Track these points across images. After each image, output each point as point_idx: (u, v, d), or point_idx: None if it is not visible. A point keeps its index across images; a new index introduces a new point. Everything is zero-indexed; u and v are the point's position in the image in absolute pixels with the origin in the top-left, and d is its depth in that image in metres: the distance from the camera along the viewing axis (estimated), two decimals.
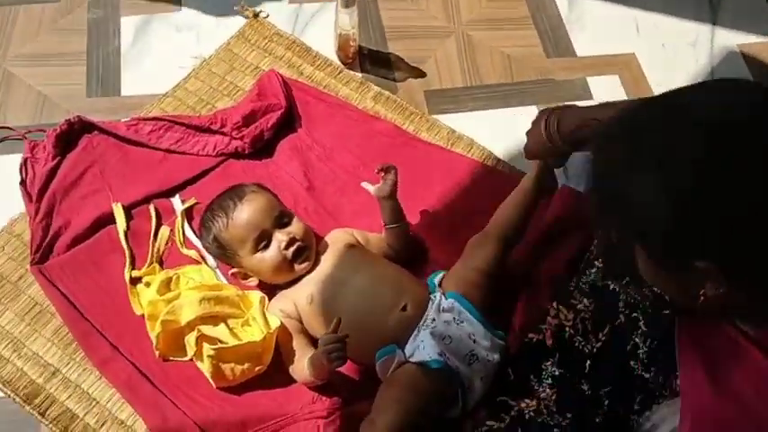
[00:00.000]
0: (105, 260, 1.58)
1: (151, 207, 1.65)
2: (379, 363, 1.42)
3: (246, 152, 1.74)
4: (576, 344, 1.46)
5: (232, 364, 1.42)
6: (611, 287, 1.45)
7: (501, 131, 1.84)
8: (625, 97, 1.91)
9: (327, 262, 1.50)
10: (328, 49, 1.94)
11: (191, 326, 1.45)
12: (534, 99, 1.91)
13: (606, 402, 1.38)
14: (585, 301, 1.47)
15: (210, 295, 1.46)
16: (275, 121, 1.76)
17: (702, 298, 0.97)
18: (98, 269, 1.57)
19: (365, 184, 1.55)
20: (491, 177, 1.75)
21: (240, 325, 1.46)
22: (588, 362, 1.43)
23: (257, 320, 1.45)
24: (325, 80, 1.90)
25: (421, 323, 1.44)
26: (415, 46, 1.99)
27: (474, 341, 1.43)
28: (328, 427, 1.41)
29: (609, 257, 1.42)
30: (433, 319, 1.43)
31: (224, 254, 1.51)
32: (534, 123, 1.54)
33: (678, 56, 2.02)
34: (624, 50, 2.02)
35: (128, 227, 1.62)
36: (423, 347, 1.40)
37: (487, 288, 1.51)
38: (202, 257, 1.60)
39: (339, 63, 1.92)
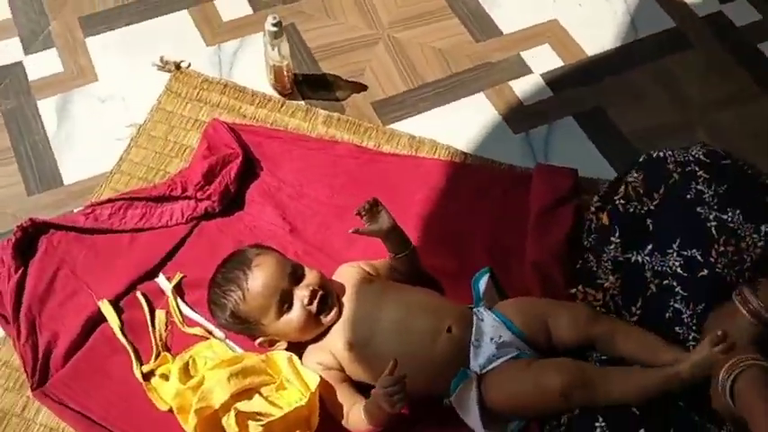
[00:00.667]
0: (109, 363, 1.46)
1: (138, 294, 1.54)
2: (457, 393, 1.35)
3: (217, 210, 1.64)
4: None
5: None
6: (633, 259, 1.43)
7: (457, 125, 1.81)
8: (561, 64, 1.89)
9: (352, 302, 1.42)
10: (262, 84, 1.85)
11: (225, 407, 1.35)
12: (479, 85, 1.88)
13: None
14: (611, 278, 1.45)
15: (237, 369, 1.36)
16: (236, 170, 1.66)
17: None
18: (105, 375, 1.45)
19: (356, 230, 1.45)
20: (465, 173, 1.72)
21: (275, 391, 1.38)
22: None
23: (292, 382, 1.37)
24: (270, 116, 1.81)
25: (472, 339, 1.37)
26: (348, 60, 1.92)
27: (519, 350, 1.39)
28: None
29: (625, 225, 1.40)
30: (482, 335, 1.38)
31: (246, 327, 1.41)
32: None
33: (596, 12, 2.03)
34: (545, 18, 2.01)
35: (121, 322, 1.49)
36: (481, 362, 1.35)
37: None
38: (208, 332, 1.49)
39: (278, 96, 1.83)
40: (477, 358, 1.36)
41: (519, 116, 1.82)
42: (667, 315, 1.37)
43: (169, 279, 1.56)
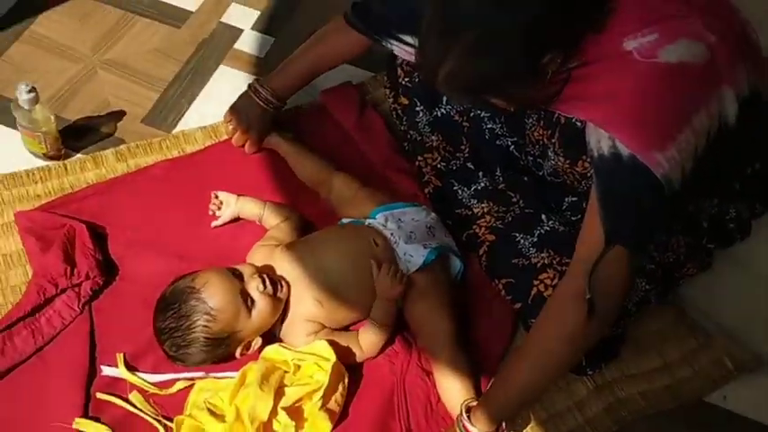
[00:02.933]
0: None
1: (99, 396, 1.39)
2: None
3: (101, 283, 1.51)
4: (453, 167, 1.67)
5: (333, 398, 1.37)
6: (439, 113, 1.65)
7: (224, 100, 1.79)
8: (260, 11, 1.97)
9: (291, 269, 1.45)
10: (26, 161, 1.67)
11: (273, 413, 1.34)
12: (213, 60, 1.90)
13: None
14: (434, 137, 1.68)
15: (258, 379, 1.35)
16: (90, 240, 1.53)
17: (550, 76, 1.16)
18: None
19: (216, 225, 1.58)
20: None
21: (294, 375, 1.39)
22: (471, 165, 1.65)
23: (302, 359, 1.39)
24: (64, 183, 1.67)
25: (392, 245, 1.50)
26: (83, 100, 1.80)
27: (418, 220, 1.55)
28: (426, 363, 1.46)
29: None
30: (392, 234, 1.51)
31: (223, 346, 1.38)
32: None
33: None
34: None
35: (111, 430, 1.36)
36: (411, 256, 1.49)
37: (370, 188, 1.62)
38: (189, 380, 1.42)
39: (54, 162, 1.68)
40: (401, 259, 1.49)
41: (266, 67, 1.88)
42: (486, 137, 1.63)
43: (110, 366, 1.42)
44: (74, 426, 1.33)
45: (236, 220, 1.60)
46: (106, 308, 1.49)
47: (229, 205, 1.57)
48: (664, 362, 1.51)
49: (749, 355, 1.51)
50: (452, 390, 1.38)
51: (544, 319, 1.28)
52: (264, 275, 1.40)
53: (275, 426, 1.35)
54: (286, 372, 1.39)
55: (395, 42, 1.48)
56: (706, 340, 1.52)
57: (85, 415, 1.36)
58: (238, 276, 1.40)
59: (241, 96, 1.67)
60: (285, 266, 1.45)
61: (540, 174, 1.55)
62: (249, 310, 1.37)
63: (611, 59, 1.18)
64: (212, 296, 1.35)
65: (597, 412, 1.44)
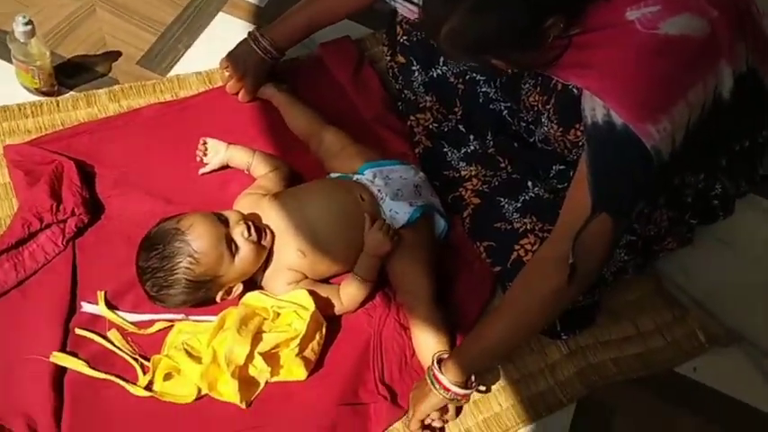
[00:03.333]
0: (101, 404, 1.34)
1: (78, 332, 1.39)
2: None
3: (86, 222, 1.50)
4: (445, 129, 1.65)
5: (310, 346, 1.37)
6: (435, 74, 1.63)
7: (223, 46, 1.78)
8: None
9: (277, 218, 1.45)
10: (17, 95, 1.65)
11: (249, 359, 1.34)
12: (214, 7, 1.89)
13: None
14: (428, 97, 1.66)
15: (237, 323, 1.35)
16: (78, 176, 1.52)
17: (551, 41, 1.15)
18: (106, 416, 1.33)
19: (204, 172, 1.56)
20: None
21: (272, 322, 1.39)
22: (463, 128, 1.63)
23: (282, 307, 1.40)
24: (55, 119, 1.65)
25: (377, 201, 1.50)
26: (80, 37, 1.78)
27: (406, 178, 1.54)
28: (404, 318, 1.46)
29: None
30: (379, 190, 1.50)
31: (205, 289, 1.38)
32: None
33: None
34: None
35: (88, 364, 1.36)
36: (396, 213, 1.48)
37: (360, 145, 1.60)
38: (168, 321, 1.42)
39: (46, 98, 1.66)
40: (386, 216, 1.49)
41: (264, 17, 1.86)
42: (480, 100, 1.62)
43: (90, 303, 1.42)
44: (51, 359, 1.33)
45: (225, 167, 1.59)
46: (89, 245, 1.48)
47: (218, 152, 1.56)
48: (637, 331, 1.51)
49: (722, 330, 1.52)
50: (427, 344, 1.39)
51: (523, 279, 1.28)
52: (250, 222, 1.40)
53: (251, 370, 1.36)
54: (265, 318, 1.39)
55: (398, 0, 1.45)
56: (681, 313, 1.53)
57: (63, 349, 1.36)
58: (224, 221, 1.39)
59: (240, 44, 1.65)
60: (271, 215, 1.45)
61: (531, 140, 1.54)
62: (232, 255, 1.37)
63: (612, 28, 1.16)
64: (197, 239, 1.34)
65: (568, 376, 1.45)
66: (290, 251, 1.43)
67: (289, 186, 1.55)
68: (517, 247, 1.41)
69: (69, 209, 1.47)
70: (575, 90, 1.27)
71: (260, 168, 1.55)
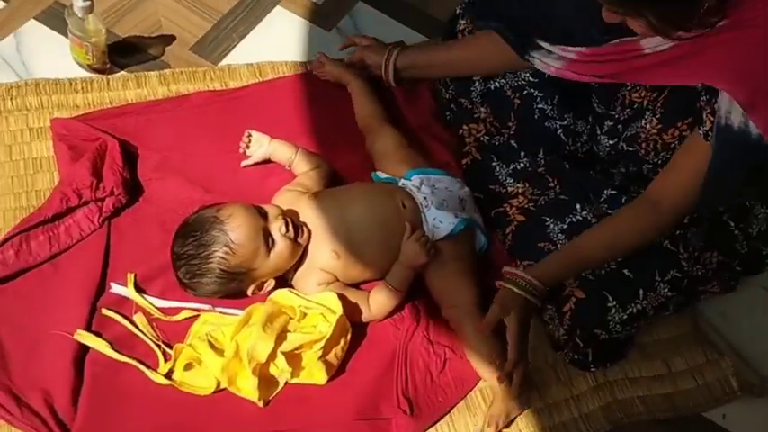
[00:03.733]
0: (120, 387, 1.32)
1: (105, 312, 1.37)
2: None
3: (125, 202, 1.49)
4: (496, 143, 1.61)
5: (333, 351, 1.34)
6: (493, 86, 1.59)
7: (277, 40, 1.79)
8: None
9: (315, 216, 1.42)
10: (70, 70, 1.65)
11: (271, 357, 1.32)
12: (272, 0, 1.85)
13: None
14: (482, 108, 1.62)
15: (263, 320, 1.32)
16: (121, 156, 1.50)
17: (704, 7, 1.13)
18: (124, 399, 1.31)
19: (246, 164, 1.54)
20: (316, 78, 1.72)
21: (298, 322, 1.36)
22: (515, 143, 1.59)
23: (310, 307, 1.37)
24: (104, 97, 1.64)
25: (422, 209, 1.46)
26: (137, 18, 1.77)
27: (452, 190, 1.51)
28: (432, 334, 1.42)
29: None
30: (425, 198, 1.46)
31: (237, 281, 1.36)
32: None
33: None
34: None
35: (111, 346, 1.34)
36: (440, 222, 1.45)
37: (412, 150, 1.58)
38: (195, 310, 1.40)
39: (98, 75, 1.65)
40: (428, 225, 1.45)
41: (321, 15, 1.84)
42: (536, 116, 1.57)
43: (120, 284, 1.41)
44: (75, 336, 1.32)
45: (267, 162, 1.56)
46: (125, 227, 1.47)
47: (262, 145, 1.54)
48: (668, 370, 1.46)
49: (756, 379, 1.47)
50: (480, 355, 1.36)
51: (632, 210, 1.32)
52: (288, 218, 1.37)
53: (271, 369, 1.33)
54: (291, 318, 1.36)
55: (535, 54, 1.46)
56: (715, 357, 1.47)
57: (88, 328, 1.35)
58: (263, 215, 1.37)
59: (370, 43, 1.68)
60: (309, 214, 1.42)
61: (590, 154, 1.51)
62: (268, 249, 1.35)
63: (762, 29, 1.13)
64: (235, 229, 1.32)
65: (593, 409, 1.41)
66: (324, 251, 1.40)
67: (329, 186, 1.53)
68: None
69: (109, 188, 1.46)
70: (698, 86, 1.24)
71: (301, 165, 1.53)
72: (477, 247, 1.50)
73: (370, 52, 1.66)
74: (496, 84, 1.61)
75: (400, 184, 1.50)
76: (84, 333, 1.33)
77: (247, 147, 1.54)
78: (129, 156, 1.54)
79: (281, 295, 1.38)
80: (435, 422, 1.36)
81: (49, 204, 1.44)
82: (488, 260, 1.52)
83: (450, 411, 1.38)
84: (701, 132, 1.23)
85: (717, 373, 1.46)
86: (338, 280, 1.42)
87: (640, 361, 1.45)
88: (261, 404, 1.32)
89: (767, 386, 1.46)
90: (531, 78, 1.56)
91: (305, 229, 1.40)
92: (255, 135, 1.54)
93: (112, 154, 1.50)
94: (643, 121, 1.38)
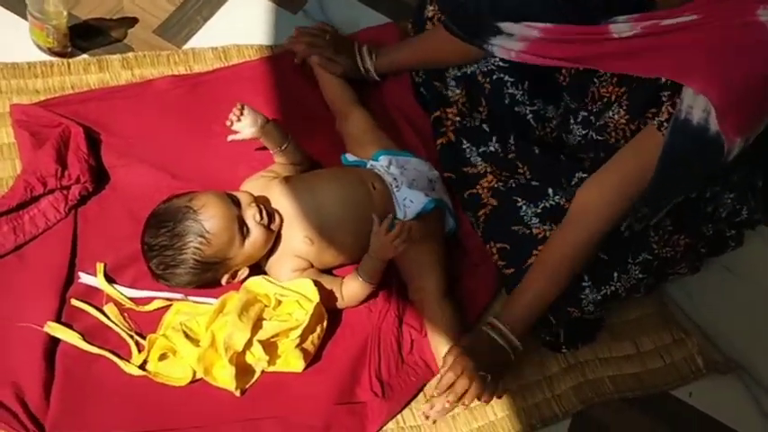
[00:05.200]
0: (94, 377, 1.29)
1: (74, 302, 1.33)
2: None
3: (91, 189, 1.44)
4: (468, 125, 1.61)
5: (310, 338, 1.33)
6: (469, 71, 1.58)
7: (241, 24, 1.74)
8: None
9: (286, 202, 1.39)
10: (29, 53, 1.58)
11: (247, 346, 1.30)
12: None
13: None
14: (457, 91, 1.60)
15: (239, 309, 1.30)
16: (85, 143, 1.45)
17: None
18: (98, 389, 1.28)
19: (233, 138, 1.43)
20: (285, 62, 1.68)
21: (273, 310, 1.34)
22: (486, 127, 1.58)
23: (285, 295, 1.35)
24: (65, 81, 1.58)
25: (392, 189, 1.45)
26: (98, 0, 1.70)
27: (421, 171, 1.50)
28: (403, 314, 1.42)
29: None
30: (395, 178, 1.45)
31: (212, 271, 1.33)
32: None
33: None
34: None
35: (82, 337, 1.30)
36: (411, 202, 1.44)
37: (381, 132, 1.57)
38: (167, 300, 1.37)
39: (58, 58, 1.59)
40: (399, 205, 1.44)
41: None
42: (506, 101, 1.56)
43: (89, 273, 1.36)
44: (45, 329, 1.28)
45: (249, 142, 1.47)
46: (92, 215, 1.43)
47: (255, 123, 1.41)
48: (637, 350, 1.48)
49: (721, 358, 1.49)
50: (440, 338, 1.36)
51: (562, 229, 1.31)
52: (261, 205, 1.35)
53: (248, 357, 1.31)
54: (266, 306, 1.34)
55: (493, 41, 1.43)
56: (681, 336, 1.50)
57: (58, 320, 1.30)
58: (236, 203, 1.34)
59: (345, 41, 1.63)
60: (281, 200, 1.39)
61: (559, 139, 1.51)
62: (243, 238, 1.32)
63: (739, 29, 1.11)
64: (209, 219, 1.29)
65: (565, 389, 1.42)
66: (297, 237, 1.37)
67: (301, 172, 1.49)
68: (535, 252, 1.36)
69: (74, 175, 1.41)
70: (662, 79, 1.23)
71: (289, 156, 1.47)
72: (446, 229, 1.50)
73: (334, 48, 1.61)
74: (469, 69, 1.59)
75: (368, 166, 1.48)
76: (55, 325, 1.29)
77: (238, 120, 1.40)
78: (94, 142, 1.49)
79: (255, 283, 1.36)
80: (409, 401, 1.36)
81: (13, 193, 1.38)
82: (457, 243, 1.51)
83: (421, 391, 1.38)
84: (655, 122, 1.22)
85: (683, 352, 1.48)
86: (312, 266, 1.40)
87: (610, 341, 1.47)
88: (237, 393, 1.30)
89: (731, 364, 1.49)
90: (501, 63, 1.55)
91: (277, 215, 1.37)
92: (249, 111, 1.41)
93: (77, 140, 1.44)
94: (611, 113, 1.38)
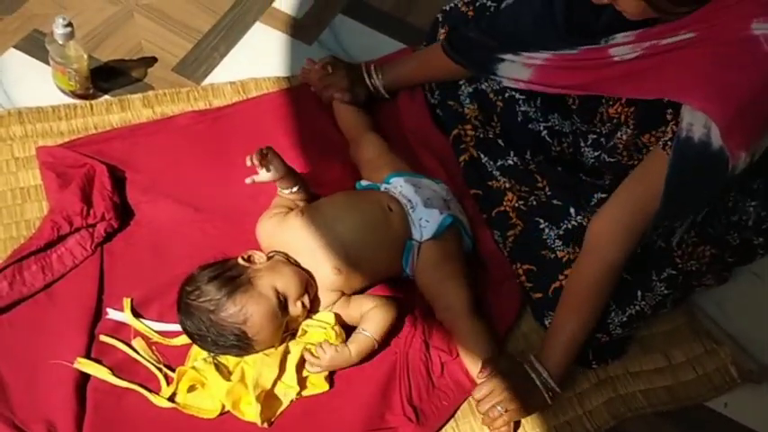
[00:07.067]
0: (123, 414, 1.28)
1: (103, 338, 1.34)
2: (409, 264, 1.42)
3: (117, 227, 1.45)
4: (482, 137, 1.59)
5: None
6: (480, 88, 1.58)
7: (258, 57, 1.76)
8: None
9: (307, 240, 1.38)
10: (52, 97, 1.61)
11: (279, 376, 1.29)
12: (251, 16, 1.82)
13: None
14: (472, 106, 1.60)
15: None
16: (110, 181, 1.47)
17: None
18: (128, 426, 1.28)
19: (252, 180, 1.40)
20: (301, 94, 1.69)
21: (299, 338, 1.34)
22: (502, 142, 1.57)
23: (310, 325, 1.34)
24: (88, 123, 1.60)
25: (407, 210, 1.44)
26: (117, 42, 1.73)
27: (435, 190, 1.50)
28: (430, 338, 1.40)
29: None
30: (409, 199, 1.45)
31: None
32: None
33: None
34: None
35: (112, 372, 1.30)
36: (427, 221, 1.43)
37: (393, 155, 1.56)
38: None
39: (80, 101, 1.62)
40: (415, 226, 1.43)
41: (301, 29, 1.82)
42: (519, 119, 1.56)
43: (117, 310, 1.37)
44: (75, 365, 1.28)
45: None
46: (118, 251, 1.44)
47: (277, 172, 1.38)
48: (668, 363, 1.45)
49: (755, 366, 1.46)
50: (473, 357, 1.34)
51: (578, 265, 1.30)
52: (305, 299, 1.32)
53: (278, 387, 1.30)
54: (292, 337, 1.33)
55: (500, 72, 1.44)
56: (713, 347, 1.46)
57: (87, 356, 1.31)
58: (284, 306, 1.30)
59: (354, 68, 1.63)
60: (301, 235, 1.37)
61: (576, 158, 1.49)
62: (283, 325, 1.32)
63: (734, 45, 1.09)
64: (256, 335, 1.29)
65: (597, 405, 1.39)
66: (325, 270, 1.36)
67: (309, 200, 1.48)
68: (561, 276, 1.35)
69: (99, 213, 1.42)
70: (664, 99, 1.21)
71: (298, 196, 1.45)
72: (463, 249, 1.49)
73: (345, 80, 1.62)
74: (482, 86, 1.59)
75: (382, 189, 1.47)
76: (85, 361, 1.29)
77: (261, 165, 1.37)
78: (118, 180, 1.50)
79: None
80: (442, 426, 1.34)
81: (40, 233, 1.40)
82: (479, 260, 1.50)
83: (454, 415, 1.36)
84: (660, 144, 1.21)
85: (716, 362, 1.45)
86: (344, 294, 1.39)
87: (641, 355, 1.44)
88: (265, 425, 1.28)
89: (766, 372, 1.45)
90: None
91: (311, 288, 1.35)
92: (276, 160, 1.38)
93: (101, 179, 1.46)
94: (620, 133, 1.36)
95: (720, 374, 1.44)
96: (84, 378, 1.29)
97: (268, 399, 1.29)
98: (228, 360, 1.30)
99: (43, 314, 1.35)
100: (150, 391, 1.29)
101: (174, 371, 1.31)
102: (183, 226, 1.47)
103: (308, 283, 1.34)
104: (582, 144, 1.48)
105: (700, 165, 1.13)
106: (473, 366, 1.34)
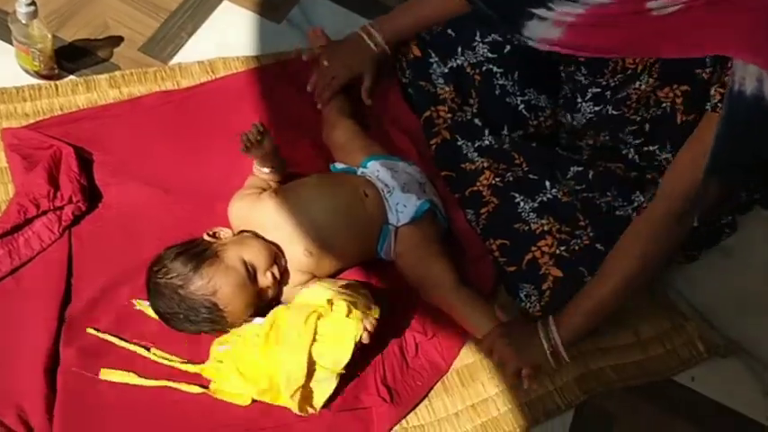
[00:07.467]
0: (97, 392, 1.27)
1: (104, 336, 1.32)
2: (384, 248, 1.43)
3: (84, 209, 1.43)
4: (460, 120, 1.59)
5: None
6: (454, 65, 1.56)
7: (226, 36, 1.73)
8: None
9: (279, 220, 1.37)
10: (16, 78, 1.57)
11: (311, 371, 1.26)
12: None
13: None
14: (447, 88, 1.59)
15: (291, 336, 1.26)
16: (76, 163, 1.44)
17: None
18: (102, 404, 1.27)
19: (245, 150, 1.38)
20: (271, 73, 1.67)
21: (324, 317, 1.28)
22: (479, 122, 1.57)
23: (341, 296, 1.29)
24: (53, 104, 1.57)
25: (384, 195, 1.44)
26: (83, 21, 1.69)
27: (411, 174, 1.49)
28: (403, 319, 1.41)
29: None
30: (386, 184, 1.44)
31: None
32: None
33: None
34: None
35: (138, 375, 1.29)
36: (404, 207, 1.43)
37: (368, 138, 1.56)
38: None
39: (46, 81, 1.58)
40: (391, 210, 1.43)
41: (270, 7, 1.79)
42: (497, 92, 1.55)
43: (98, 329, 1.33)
44: (100, 376, 1.28)
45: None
46: (86, 234, 1.41)
47: (265, 149, 1.38)
48: (637, 339, 1.47)
49: (721, 340, 1.48)
50: (478, 324, 1.36)
51: (630, 241, 1.26)
52: (275, 270, 1.32)
53: (317, 373, 1.26)
54: (320, 315, 1.26)
55: (529, 30, 1.35)
56: (681, 322, 1.49)
57: (57, 341, 1.29)
58: (253, 276, 1.30)
59: (349, 42, 1.59)
60: (275, 216, 1.37)
61: (555, 135, 1.49)
62: (257, 299, 1.32)
63: None
64: (227, 305, 1.28)
65: (568, 381, 1.41)
66: (297, 251, 1.36)
67: (283, 182, 1.47)
68: (534, 248, 1.35)
69: (67, 196, 1.40)
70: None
71: (275, 175, 1.45)
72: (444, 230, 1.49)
73: (352, 65, 1.59)
74: (456, 62, 1.58)
75: (359, 173, 1.47)
76: (108, 370, 1.27)
77: (256, 141, 1.35)
78: (85, 162, 1.48)
79: (311, 294, 1.30)
80: (416, 406, 1.34)
81: (6, 217, 1.37)
82: (453, 240, 1.50)
83: (428, 394, 1.36)
84: (708, 107, 1.18)
85: (683, 337, 1.47)
86: (315, 276, 1.38)
87: (610, 331, 1.45)
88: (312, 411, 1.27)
89: (731, 347, 1.48)
90: (489, 54, 1.54)
91: (282, 259, 1.35)
92: (268, 135, 1.37)
93: (68, 161, 1.44)
94: (638, 83, 1.32)
95: (688, 349, 1.46)
96: (54, 363, 1.28)
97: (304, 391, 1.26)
98: (247, 363, 1.27)
99: (11, 299, 1.32)
100: (178, 382, 1.28)
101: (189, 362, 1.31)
102: (151, 208, 1.45)
103: (276, 255, 1.33)
104: (579, 99, 1.42)
105: (751, 119, 1.10)
106: (481, 333, 1.37)
